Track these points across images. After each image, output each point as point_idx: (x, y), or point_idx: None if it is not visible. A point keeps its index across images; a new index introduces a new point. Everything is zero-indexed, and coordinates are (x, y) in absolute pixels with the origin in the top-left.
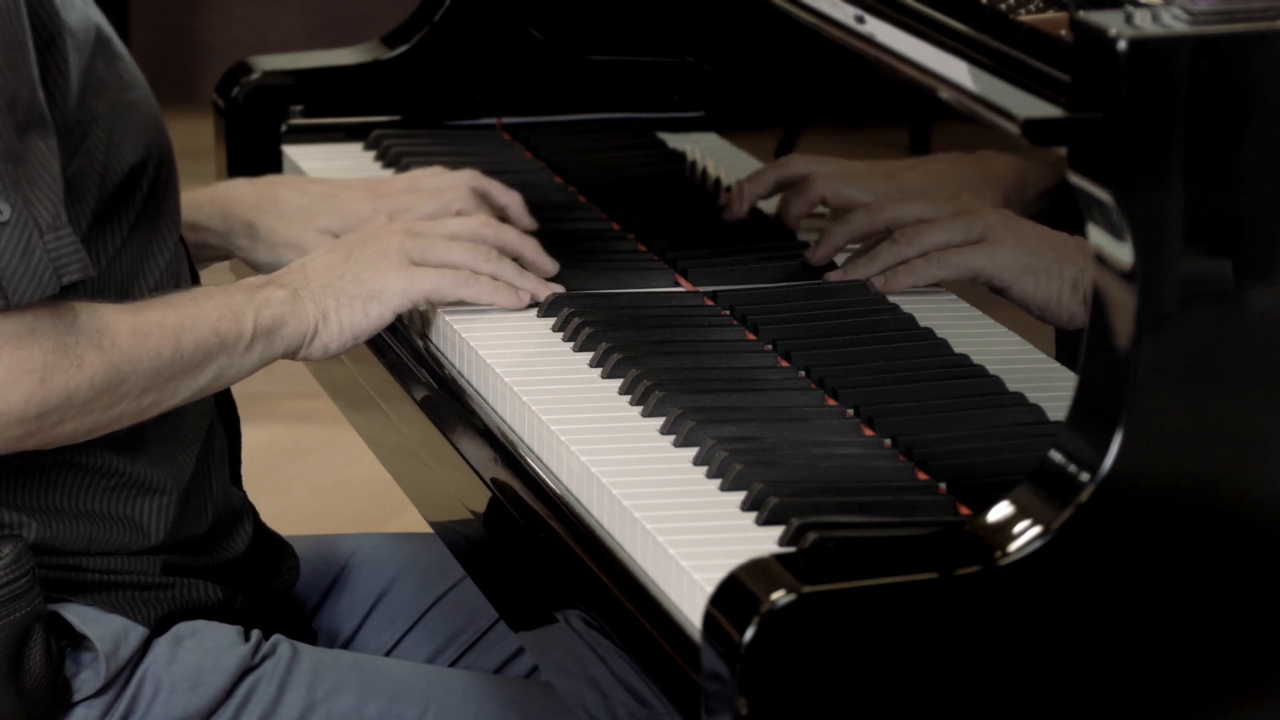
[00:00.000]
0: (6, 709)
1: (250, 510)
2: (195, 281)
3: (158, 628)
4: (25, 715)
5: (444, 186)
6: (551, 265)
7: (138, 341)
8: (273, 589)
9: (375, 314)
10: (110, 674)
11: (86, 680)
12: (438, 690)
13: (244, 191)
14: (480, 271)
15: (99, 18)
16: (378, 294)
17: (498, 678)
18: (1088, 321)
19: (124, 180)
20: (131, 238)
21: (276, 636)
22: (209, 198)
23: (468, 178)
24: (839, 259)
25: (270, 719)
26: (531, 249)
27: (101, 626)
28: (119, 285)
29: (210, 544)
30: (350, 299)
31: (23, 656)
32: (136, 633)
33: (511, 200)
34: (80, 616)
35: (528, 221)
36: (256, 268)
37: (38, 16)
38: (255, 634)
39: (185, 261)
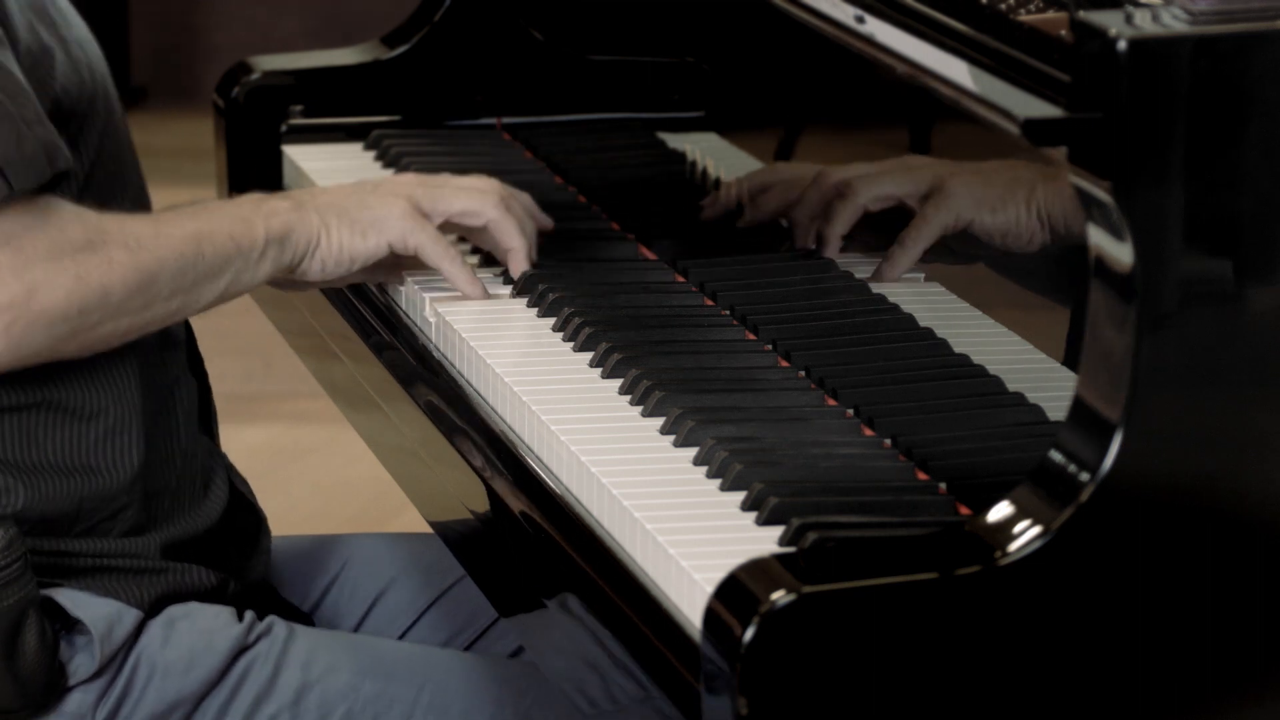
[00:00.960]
0: (2, 693)
1: (225, 467)
2: None
3: (151, 611)
4: (21, 700)
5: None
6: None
7: (162, 244)
8: (254, 566)
9: (372, 242)
10: (105, 657)
11: (81, 664)
12: (434, 670)
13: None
14: (486, 216)
15: None
16: (378, 222)
17: (494, 659)
18: (1048, 239)
19: (79, 110)
20: (95, 172)
21: (271, 617)
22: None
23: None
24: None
25: (266, 699)
26: (538, 226)
27: (95, 610)
28: None
29: (185, 497)
30: (352, 221)
31: (17, 641)
32: (130, 616)
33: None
34: (73, 601)
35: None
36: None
37: None
38: (249, 614)
39: (148, 204)
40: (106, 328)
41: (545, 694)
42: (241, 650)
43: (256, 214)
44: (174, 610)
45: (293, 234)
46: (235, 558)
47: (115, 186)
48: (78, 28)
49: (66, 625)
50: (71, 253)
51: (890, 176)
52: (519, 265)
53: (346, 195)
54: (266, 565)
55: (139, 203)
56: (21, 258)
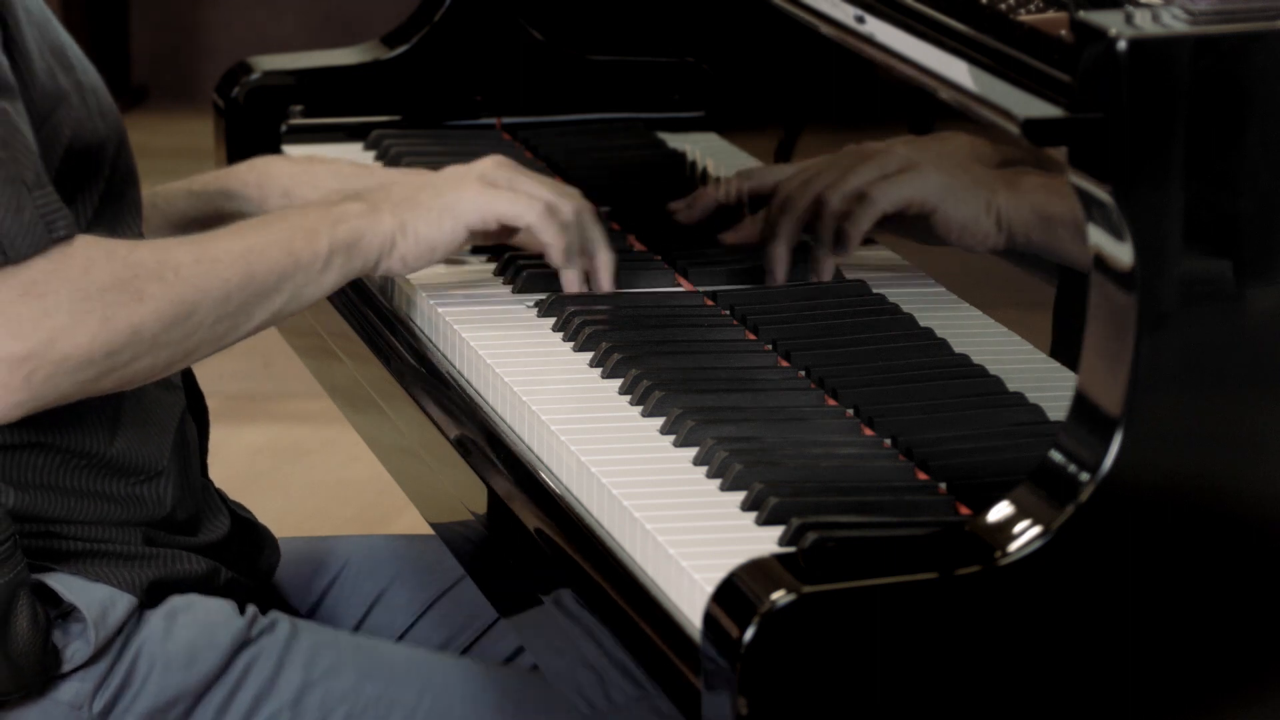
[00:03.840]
0: None
1: (223, 502)
2: None
3: (147, 599)
4: (14, 682)
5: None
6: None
7: (203, 269)
8: (258, 565)
9: (449, 228)
10: (100, 642)
11: (77, 650)
12: (436, 675)
13: (282, 165)
14: (559, 212)
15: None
16: (451, 207)
17: (496, 666)
18: (1002, 245)
19: (87, 159)
20: (96, 222)
21: (275, 613)
22: (246, 167)
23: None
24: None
25: (267, 696)
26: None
27: (87, 595)
28: None
29: (189, 529)
30: (426, 210)
31: (9, 622)
32: (124, 600)
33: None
34: (65, 585)
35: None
36: None
37: None
38: (251, 608)
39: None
40: (143, 363)
41: (546, 701)
42: (243, 645)
43: (324, 221)
44: (176, 602)
45: (363, 239)
46: (234, 560)
47: (117, 231)
48: (91, 74)
49: (60, 611)
50: (98, 293)
51: (861, 169)
52: (569, 284)
53: (418, 184)
54: (274, 565)
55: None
56: (42, 306)
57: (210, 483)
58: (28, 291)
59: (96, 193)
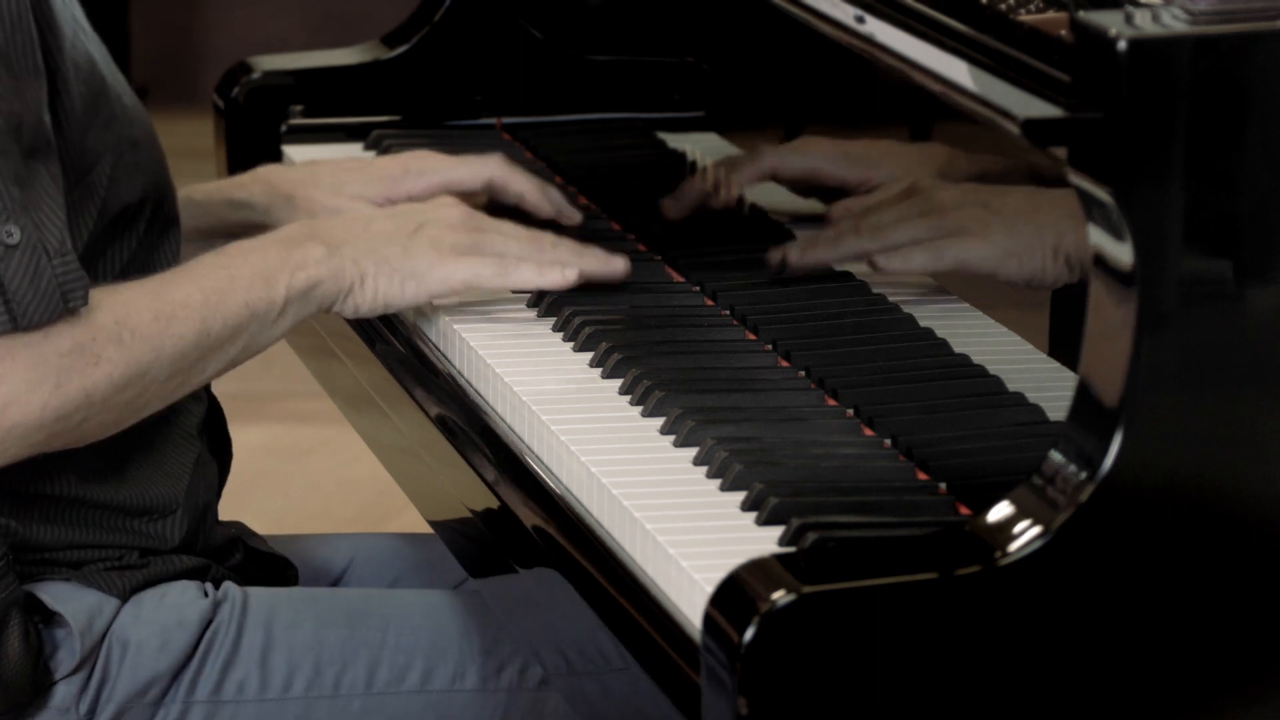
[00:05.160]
0: None
1: (238, 536)
2: None
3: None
4: (5, 702)
5: (472, 159)
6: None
7: (160, 328)
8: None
9: (410, 292)
10: (86, 650)
11: (63, 660)
12: (395, 610)
13: (285, 171)
14: (541, 261)
15: (98, 52)
16: (418, 274)
17: (454, 592)
18: (1074, 279)
19: (120, 218)
20: (124, 275)
21: (226, 584)
22: (251, 176)
23: (496, 155)
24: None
25: (233, 663)
26: (592, 265)
27: (75, 603)
28: None
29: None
30: (391, 270)
31: (1, 643)
32: (110, 606)
33: (541, 182)
34: (54, 595)
35: (550, 211)
36: None
37: (44, 46)
38: (207, 586)
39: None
40: (92, 424)
41: (509, 621)
42: (209, 622)
43: (283, 268)
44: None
45: (320, 286)
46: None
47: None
48: (138, 126)
49: (47, 619)
50: (55, 358)
51: (916, 225)
52: (563, 283)
53: (390, 238)
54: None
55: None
56: None
57: (223, 524)
58: None
59: (128, 248)
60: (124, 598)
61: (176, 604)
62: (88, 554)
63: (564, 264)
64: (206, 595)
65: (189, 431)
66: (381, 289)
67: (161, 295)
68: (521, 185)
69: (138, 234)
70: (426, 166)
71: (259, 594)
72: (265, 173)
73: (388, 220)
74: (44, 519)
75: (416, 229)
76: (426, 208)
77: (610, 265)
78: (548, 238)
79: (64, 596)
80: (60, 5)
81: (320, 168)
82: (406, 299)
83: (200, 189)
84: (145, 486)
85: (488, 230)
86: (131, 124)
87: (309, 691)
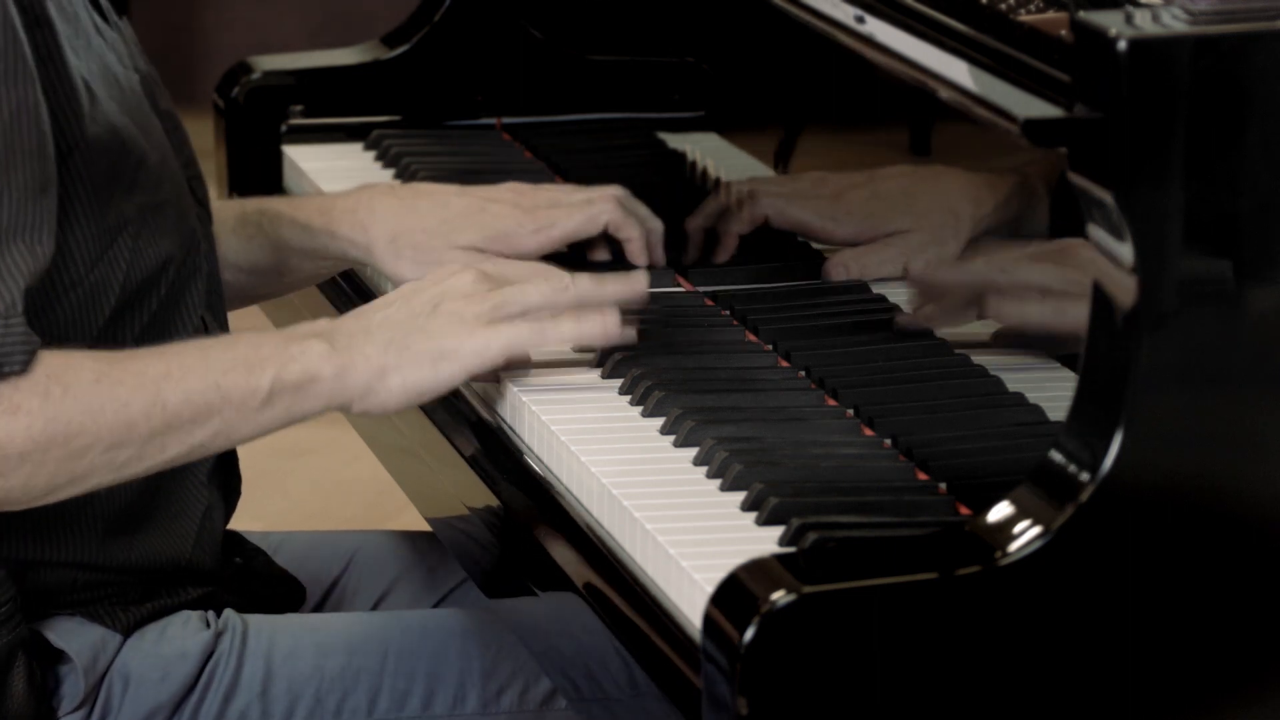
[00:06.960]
0: None
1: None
2: None
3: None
4: None
5: (592, 197)
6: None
7: (101, 390)
8: (270, 604)
9: (445, 373)
10: (89, 687)
11: (67, 696)
12: (394, 634)
13: (387, 203)
14: (560, 304)
15: (120, 106)
16: (448, 354)
17: (452, 611)
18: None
19: (145, 280)
20: (148, 330)
21: (226, 611)
22: (350, 206)
23: (614, 190)
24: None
25: (234, 695)
26: (615, 291)
27: (80, 640)
28: None
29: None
30: (417, 356)
31: (6, 684)
32: (114, 641)
33: (653, 227)
34: (58, 632)
35: (654, 256)
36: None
37: (61, 124)
38: (209, 615)
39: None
40: (12, 480)
41: (510, 643)
42: (211, 652)
43: (274, 357)
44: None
45: (319, 383)
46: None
47: (167, 338)
48: (167, 187)
49: (50, 656)
50: None
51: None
52: (603, 333)
53: (404, 324)
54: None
55: (212, 292)
56: None
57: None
58: None
59: (153, 304)
60: (127, 633)
61: (178, 635)
62: (93, 593)
63: (597, 307)
64: (208, 625)
65: (200, 480)
66: (410, 379)
67: (116, 362)
68: (630, 232)
69: (160, 292)
70: (541, 221)
71: (259, 623)
72: (367, 205)
73: (398, 306)
74: (54, 576)
75: (433, 308)
76: (434, 283)
77: (633, 286)
78: (563, 277)
79: (68, 633)
80: (76, 71)
81: (425, 203)
82: (442, 381)
83: (271, 204)
84: (154, 549)
85: (504, 288)
86: (158, 187)
87: None
